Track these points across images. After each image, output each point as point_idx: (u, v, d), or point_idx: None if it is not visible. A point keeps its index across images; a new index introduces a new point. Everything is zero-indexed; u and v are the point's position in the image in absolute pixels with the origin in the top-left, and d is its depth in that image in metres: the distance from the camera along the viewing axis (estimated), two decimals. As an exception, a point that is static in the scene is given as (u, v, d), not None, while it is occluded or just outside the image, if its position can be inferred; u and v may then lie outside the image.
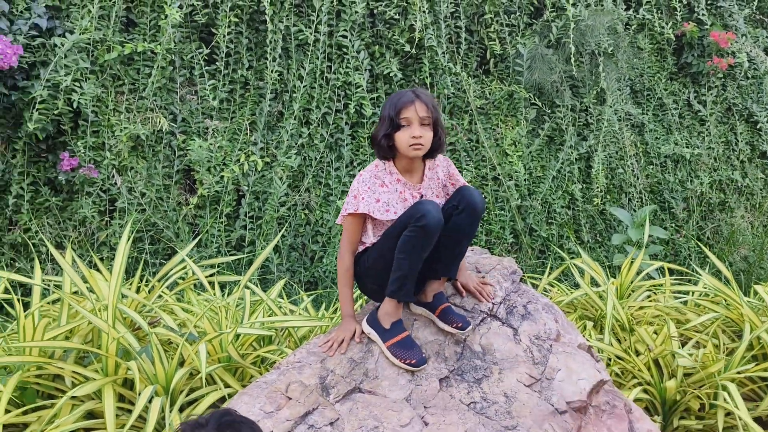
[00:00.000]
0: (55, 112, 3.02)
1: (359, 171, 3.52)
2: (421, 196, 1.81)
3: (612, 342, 2.31)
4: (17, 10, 3.11)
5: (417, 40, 3.56)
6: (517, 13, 3.81)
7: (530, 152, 3.81)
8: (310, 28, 3.48)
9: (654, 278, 3.18)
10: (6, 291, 2.48)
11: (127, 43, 3.21)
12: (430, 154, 1.80)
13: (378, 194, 1.76)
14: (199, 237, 3.29)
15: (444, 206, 1.81)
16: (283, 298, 2.61)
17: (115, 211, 3.19)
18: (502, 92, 3.80)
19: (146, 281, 2.67)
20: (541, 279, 3.01)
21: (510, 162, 3.70)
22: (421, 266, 1.73)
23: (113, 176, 3.16)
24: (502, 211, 3.69)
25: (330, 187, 3.54)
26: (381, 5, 3.54)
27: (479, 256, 2.04)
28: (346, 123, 3.58)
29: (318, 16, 3.47)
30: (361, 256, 1.84)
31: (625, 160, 4.00)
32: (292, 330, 2.29)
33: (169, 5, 3.17)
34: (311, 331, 2.30)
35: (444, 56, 3.67)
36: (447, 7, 3.67)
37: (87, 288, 2.03)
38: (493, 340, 1.76)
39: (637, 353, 2.29)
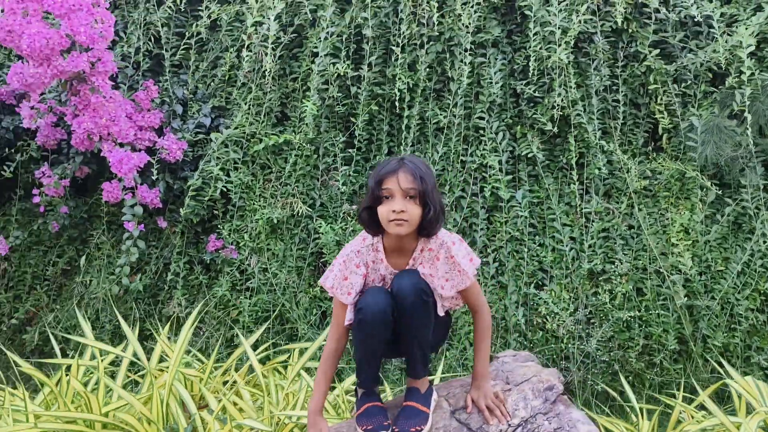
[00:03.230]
0: (206, 199, 3.37)
1: (494, 258, 3.30)
2: None
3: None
4: (190, 112, 3.60)
5: (560, 117, 3.26)
6: (691, 81, 3.29)
7: (707, 241, 3.16)
8: (445, 111, 3.42)
9: None
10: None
11: (275, 135, 3.48)
12: (423, 232, 1.58)
13: (349, 271, 1.59)
14: (324, 318, 3.32)
15: None
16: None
17: (248, 290, 3.39)
18: (672, 171, 3.25)
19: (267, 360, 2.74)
20: (696, 397, 2.39)
21: (677, 253, 3.11)
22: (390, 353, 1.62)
23: (250, 257, 3.38)
24: (666, 312, 3.08)
25: (460, 275, 3.33)
26: (521, 84, 3.34)
27: (518, 363, 1.70)
28: (482, 207, 3.37)
29: (454, 99, 3.40)
30: None
31: None
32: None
33: (310, 99, 3.39)
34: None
35: (595, 134, 3.29)
36: (600, 80, 3.32)
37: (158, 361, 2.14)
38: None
39: None
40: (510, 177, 3.38)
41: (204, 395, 2.04)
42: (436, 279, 1.60)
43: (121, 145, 3.11)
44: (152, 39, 3.69)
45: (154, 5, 3.68)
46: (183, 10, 3.71)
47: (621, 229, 3.25)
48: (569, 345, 3.10)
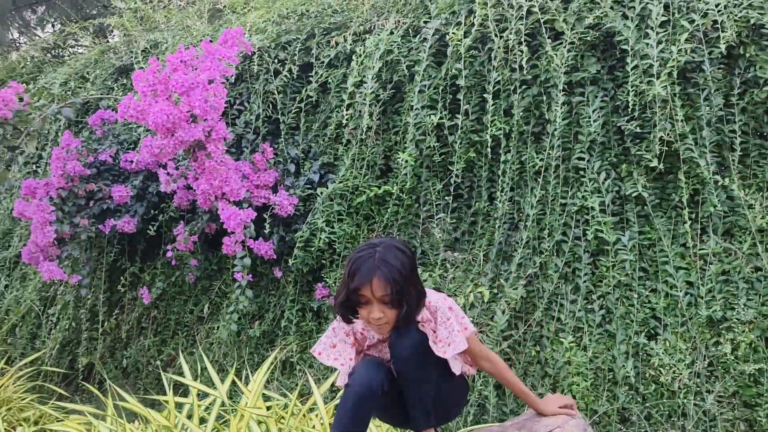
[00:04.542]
0: (314, 249, 3.59)
1: (600, 305, 3.11)
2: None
3: None
4: (303, 170, 3.89)
5: (668, 153, 3.05)
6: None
7: None
8: (542, 153, 3.35)
9: None
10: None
11: (375, 187, 3.64)
12: (407, 323, 1.59)
13: (338, 339, 1.62)
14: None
15: None
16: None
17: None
18: (807, 205, 2.88)
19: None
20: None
21: (815, 298, 2.72)
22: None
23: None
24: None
25: (562, 322, 3.18)
26: (623, 120, 3.19)
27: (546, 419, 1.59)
28: (585, 251, 3.22)
29: (551, 141, 3.32)
30: None
31: None
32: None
33: (404, 151, 3.51)
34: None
35: (708, 168, 3.03)
36: (712, 110, 3.07)
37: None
38: None
39: None
40: (616, 218, 3.20)
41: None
42: (441, 345, 1.60)
43: (237, 203, 3.44)
44: (270, 105, 4.08)
45: (271, 75, 4.08)
46: (297, 77, 4.06)
47: (744, 271, 2.92)
48: (686, 400, 2.81)
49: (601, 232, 3.17)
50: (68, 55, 7.04)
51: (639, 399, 2.93)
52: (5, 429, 3.22)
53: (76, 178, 3.92)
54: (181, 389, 3.91)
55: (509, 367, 1.79)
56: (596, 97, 3.27)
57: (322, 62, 4.00)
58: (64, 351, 4.67)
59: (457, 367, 1.63)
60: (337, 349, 1.67)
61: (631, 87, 3.10)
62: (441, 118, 3.53)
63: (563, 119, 3.27)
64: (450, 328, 1.60)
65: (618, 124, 3.25)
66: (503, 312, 3.22)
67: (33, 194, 3.92)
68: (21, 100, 3.74)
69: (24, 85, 4.52)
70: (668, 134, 3.04)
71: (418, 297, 1.57)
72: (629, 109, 3.14)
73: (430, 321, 1.64)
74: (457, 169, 3.52)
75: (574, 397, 3.00)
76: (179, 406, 2.71)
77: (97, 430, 2.50)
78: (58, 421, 3.05)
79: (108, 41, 6.85)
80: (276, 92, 4.04)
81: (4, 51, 9.34)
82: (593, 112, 3.25)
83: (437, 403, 1.66)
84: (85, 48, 7.91)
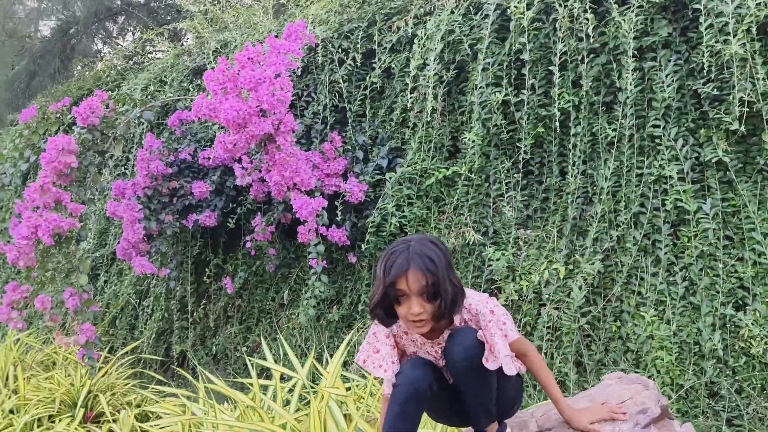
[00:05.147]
0: (385, 234, 3.64)
1: (683, 277, 3.00)
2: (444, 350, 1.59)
3: None
4: (371, 156, 3.95)
5: (749, 114, 2.89)
6: None
7: None
8: (614, 123, 3.25)
9: None
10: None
11: (443, 168, 3.64)
12: (442, 318, 1.53)
13: (381, 343, 1.60)
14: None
15: None
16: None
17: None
18: None
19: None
20: None
21: None
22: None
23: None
24: None
25: (643, 296, 3.09)
26: (699, 83, 3.04)
27: (622, 385, 1.56)
28: (665, 222, 3.10)
29: (623, 109, 3.21)
30: None
31: None
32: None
33: (471, 130, 3.49)
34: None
35: (796, 128, 2.84)
36: (798, 65, 2.87)
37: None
38: None
39: None
40: (697, 186, 3.07)
41: (350, 414, 2.24)
42: (497, 343, 1.54)
43: (309, 192, 3.54)
44: (337, 95, 4.15)
45: (336, 65, 4.14)
46: (360, 64, 4.10)
47: (843, 235, 2.73)
48: (780, 373, 2.67)
49: (681, 201, 3.04)
50: (147, 61, 7.40)
51: (728, 372, 2.81)
52: (110, 412, 3.49)
53: (160, 177, 4.15)
54: (265, 373, 4.09)
55: (547, 366, 1.72)
56: (669, 60, 3.13)
57: (385, 48, 4.02)
58: (160, 340, 4.97)
59: (513, 369, 1.57)
60: (380, 354, 1.61)
61: (706, 48, 2.95)
62: (506, 94, 3.49)
63: (635, 86, 3.16)
64: (491, 333, 1.54)
65: (694, 88, 3.09)
66: (580, 288, 3.17)
67: (122, 194, 4.19)
68: (107, 107, 3.99)
69: (109, 92, 4.81)
70: (749, 94, 2.87)
71: (455, 292, 1.50)
72: (705, 71, 2.99)
73: (472, 321, 1.60)
74: (526, 146, 3.47)
75: (658, 371, 2.92)
76: (264, 389, 2.85)
77: (191, 411, 2.66)
78: (155, 404, 3.27)
79: (182, 44, 7.16)
80: (341, 81, 4.10)
81: (90, 62, 9.93)
82: (667, 76, 3.11)
83: (497, 404, 1.63)
84: (161, 53, 8.29)
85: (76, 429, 3.42)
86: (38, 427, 3.55)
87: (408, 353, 1.69)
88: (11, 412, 3.76)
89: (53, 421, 3.60)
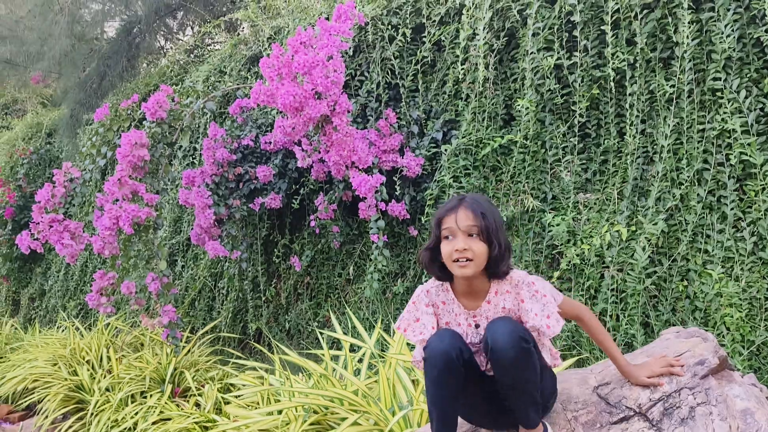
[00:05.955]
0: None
1: (751, 232, 2.92)
2: (476, 326, 1.57)
3: None
4: (426, 130, 4.00)
5: (817, 58, 2.76)
6: None
7: None
8: (672, 79, 3.17)
9: None
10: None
11: (498, 137, 3.65)
12: (491, 272, 1.51)
13: (420, 312, 1.60)
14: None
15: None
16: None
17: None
18: None
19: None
20: None
21: None
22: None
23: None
24: None
25: (709, 254, 3.03)
26: (760, 31, 2.92)
27: (680, 339, 1.57)
28: (730, 177, 3.02)
29: (681, 64, 3.13)
30: None
31: None
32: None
33: (524, 97, 3.48)
34: None
35: None
36: None
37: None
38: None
39: None
40: (763, 138, 2.97)
41: (418, 379, 2.33)
42: (539, 318, 1.50)
43: (367, 170, 3.63)
44: (389, 72, 4.20)
45: (387, 42, 4.19)
46: (411, 39, 4.14)
47: None
48: None
49: (746, 154, 2.95)
50: (207, 53, 7.65)
51: (803, 327, 2.74)
52: (195, 387, 3.73)
53: (225, 163, 4.34)
54: (336, 345, 4.26)
55: (602, 325, 1.67)
56: (728, 9, 3.02)
57: (434, 21, 4.04)
58: (236, 319, 5.23)
59: (549, 358, 1.57)
60: (420, 322, 1.60)
61: (768, -8, 2.83)
62: (559, 58, 3.45)
63: (693, 39, 3.07)
64: (538, 299, 1.53)
65: (756, 36, 2.98)
66: (644, 249, 3.14)
67: (192, 183, 4.41)
68: (172, 100, 4.20)
69: (173, 86, 5.04)
70: (817, 37, 2.75)
71: (506, 246, 1.49)
72: (767, 18, 2.87)
73: (511, 293, 1.57)
74: (581, 108, 3.43)
75: (727, 329, 2.88)
76: (335, 359, 2.99)
77: (268, 382, 2.84)
78: (235, 377, 3.48)
79: (238, 34, 7.35)
80: (393, 58, 4.15)
81: (154, 58, 10.32)
82: (726, 26, 3.00)
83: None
84: (220, 44, 8.54)
85: (166, 403, 3.69)
86: (132, 402, 3.85)
87: (441, 325, 1.67)
88: (107, 390, 4.09)
89: (145, 397, 3.89)
